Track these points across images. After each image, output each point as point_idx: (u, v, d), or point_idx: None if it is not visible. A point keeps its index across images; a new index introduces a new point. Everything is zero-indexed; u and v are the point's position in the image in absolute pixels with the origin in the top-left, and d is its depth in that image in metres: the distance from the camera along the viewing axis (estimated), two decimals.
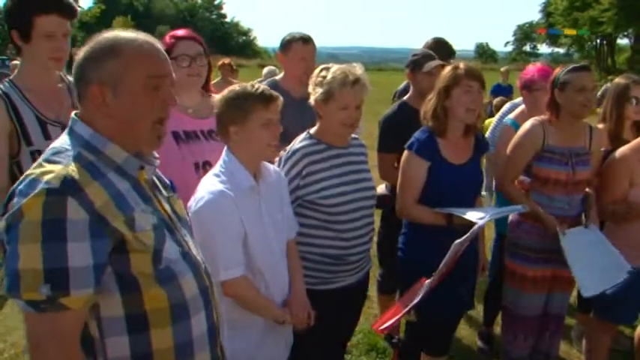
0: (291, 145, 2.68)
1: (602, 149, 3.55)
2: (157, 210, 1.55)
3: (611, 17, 36.34)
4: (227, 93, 2.30)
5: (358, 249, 2.69)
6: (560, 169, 3.06)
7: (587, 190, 3.22)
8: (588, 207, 3.19)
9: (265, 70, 8.12)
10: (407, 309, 2.27)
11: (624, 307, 3.22)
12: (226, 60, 8.92)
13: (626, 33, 42.17)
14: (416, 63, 3.66)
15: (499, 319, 4.12)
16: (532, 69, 3.76)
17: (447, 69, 2.88)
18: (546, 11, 55.62)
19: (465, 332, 4.24)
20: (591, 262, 2.97)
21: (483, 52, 73.72)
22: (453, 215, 2.70)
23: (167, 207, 1.62)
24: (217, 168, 2.32)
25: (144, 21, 56.47)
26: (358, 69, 2.59)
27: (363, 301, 3.02)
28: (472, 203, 2.94)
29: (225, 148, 2.34)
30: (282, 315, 2.34)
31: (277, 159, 2.67)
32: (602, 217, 3.27)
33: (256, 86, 2.29)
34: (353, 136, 2.82)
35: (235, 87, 2.32)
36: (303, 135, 2.71)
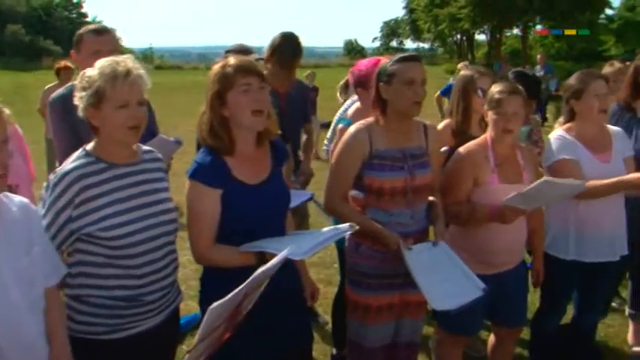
0: (61, 166, 2.13)
1: (445, 148, 3.30)
2: None
3: (467, 14, 38.23)
4: None
5: (157, 286, 2.20)
6: (395, 176, 2.68)
7: (431, 198, 2.87)
8: (435, 218, 2.82)
9: None
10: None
11: (470, 317, 2.93)
12: (63, 63, 8.08)
13: (482, 29, 44.61)
14: None
15: None
16: (365, 62, 3.38)
17: (214, 69, 2.31)
18: (409, 8, 57.78)
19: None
20: (441, 280, 2.59)
21: (352, 49, 75.02)
22: (266, 253, 2.16)
23: None
24: None
25: None
26: (129, 60, 2.10)
27: (174, 343, 2.52)
28: (284, 225, 2.47)
29: None
30: None
31: (45, 184, 2.12)
32: (445, 219, 2.94)
33: None
34: (145, 148, 2.32)
35: None
36: (77, 152, 2.16)
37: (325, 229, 2.32)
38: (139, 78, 2.09)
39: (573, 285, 3.42)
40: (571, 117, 3.28)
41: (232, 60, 2.28)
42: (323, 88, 13.46)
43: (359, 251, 2.77)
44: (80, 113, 2.10)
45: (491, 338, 3.37)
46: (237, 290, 1.86)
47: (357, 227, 2.26)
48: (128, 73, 2.05)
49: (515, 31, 43.29)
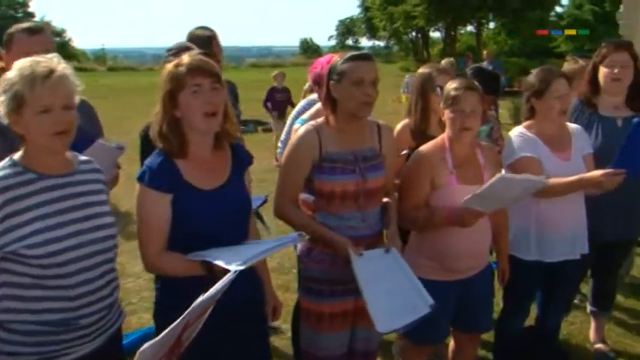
0: None
1: (405, 151, 3.19)
2: None
3: (422, 11, 38.57)
4: None
5: (93, 308, 2.01)
6: (347, 179, 2.55)
7: (386, 200, 2.75)
8: (387, 221, 2.69)
9: None
10: None
11: (435, 325, 2.81)
12: (0, 63, 7.63)
13: (437, 26, 45.06)
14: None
15: None
16: (322, 61, 3.26)
17: (167, 68, 2.18)
18: (364, 6, 57.95)
19: None
20: (389, 291, 2.45)
21: (308, 47, 74.87)
22: (212, 263, 2.00)
23: None
24: None
25: None
26: (53, 60, 1.93)
27: None
28: (245, 232, 2.33)
29: None
30: None
31: None
32: (403, 224, 2.83)
33: None
34: (83, 158, 2.13)
35: None
36: (2, 162, 1.96)
37: (272, 239, 2.20)
38: (63, 79, 1.90)
39: (536, 285, 3.36)
40: (531, 114, 3.21)
41: (185, 59, 2.15)
42: None
43: (310, 256, 2.66)
44: (3, 120, 1.91)
45: (452, 343, 3.28)
46: (173, 326, 1.70)
47: (307, 237, 2.16)
48: (48, 74, 1.87)
49: (470, 28, 43.89)
